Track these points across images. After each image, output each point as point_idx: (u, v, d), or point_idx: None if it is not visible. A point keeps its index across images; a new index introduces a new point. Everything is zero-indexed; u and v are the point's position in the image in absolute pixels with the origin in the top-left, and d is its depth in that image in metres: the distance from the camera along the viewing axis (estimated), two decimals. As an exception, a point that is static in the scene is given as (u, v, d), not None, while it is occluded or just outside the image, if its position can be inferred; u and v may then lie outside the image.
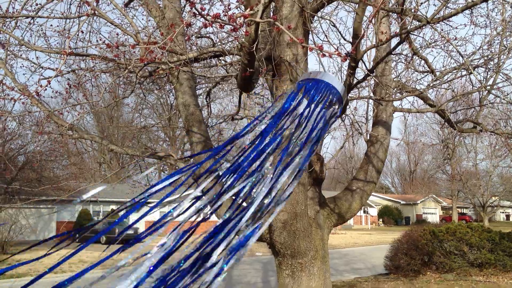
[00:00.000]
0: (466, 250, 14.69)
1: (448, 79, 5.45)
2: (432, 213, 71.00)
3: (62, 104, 7.28)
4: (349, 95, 5.32)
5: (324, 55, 2.73)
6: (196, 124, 6.41)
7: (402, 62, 6.93)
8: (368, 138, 6.65)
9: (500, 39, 6.32)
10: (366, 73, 3.74)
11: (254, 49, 3.55)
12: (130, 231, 33.25)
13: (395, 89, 5.62)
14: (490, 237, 14.88)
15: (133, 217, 41.56)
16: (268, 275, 16.14)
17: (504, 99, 6.26)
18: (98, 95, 7.14)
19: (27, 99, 5.98)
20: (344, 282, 14.05)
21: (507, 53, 6.21)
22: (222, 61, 7.06)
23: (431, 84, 5.11)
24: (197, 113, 6.55)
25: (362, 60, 3.59)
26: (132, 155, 7.45)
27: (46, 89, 4.88)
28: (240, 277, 16.23)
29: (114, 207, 39.47)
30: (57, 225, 37.38)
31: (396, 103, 6.86)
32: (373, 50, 5.18)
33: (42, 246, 29.26)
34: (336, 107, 1.61)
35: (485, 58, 6.02)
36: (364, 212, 60.75)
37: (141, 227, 38.91)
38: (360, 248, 28.95)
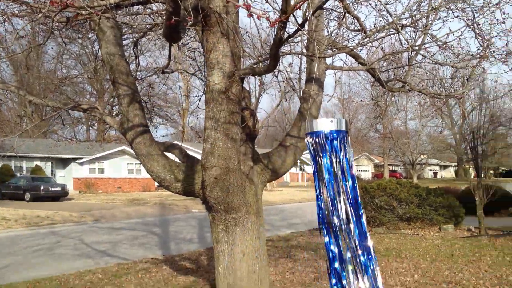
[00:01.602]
0: (396, 205, 15.41)
1: (377, 38, 5.55)
2: (365, 171, 73.74)
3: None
4: (282, 50, 5.30)
5: (251, 15, 2.68)
6: (123, 76, 6.16)
7: (335, 20, 6.99)
8: (301, 95, 6.71)
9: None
10: (297, 27, 3.72)
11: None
12: (57, 188, 32.28)
13: (327, 46, 5.66)
14: (418, 193, 15.66)
15: (60, 174, 40.18)
16: (204, 231, 16.30)
17: (429, 59, 6.47)
18: (12, 41, 6.65)
19: None
20: (280, 237, 14.42)
21: (434, 14, 6.38)
22: (149, 9, 6.80)
23: (361, 42, 5.19)
24: (122, 64, 6.27)
25: (293, 15, 3.56)
26: (53, 107, 7.02)
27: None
28: (176, 233, 16.30)
29: (38, 162, 37.66)
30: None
31: (328, 61, 6.95)
32: (306, 5, 5.15)
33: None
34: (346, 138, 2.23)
35: (414, 18, 6.15)
36: (301, 169, 62.19)
37: (69, 184, 37.61)
38: (296, 204, 29.73)
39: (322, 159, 2.11)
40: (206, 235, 15.29)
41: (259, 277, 5.65)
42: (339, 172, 2.11)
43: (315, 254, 11.14)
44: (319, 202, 2.19)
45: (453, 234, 14.25)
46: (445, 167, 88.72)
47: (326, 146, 2.10)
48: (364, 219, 2.15)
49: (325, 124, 2.11)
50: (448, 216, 15.36)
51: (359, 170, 72.58)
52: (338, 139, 2.12)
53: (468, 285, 7.87)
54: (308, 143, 2.15)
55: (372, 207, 15.60)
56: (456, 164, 75.98)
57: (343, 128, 2.15)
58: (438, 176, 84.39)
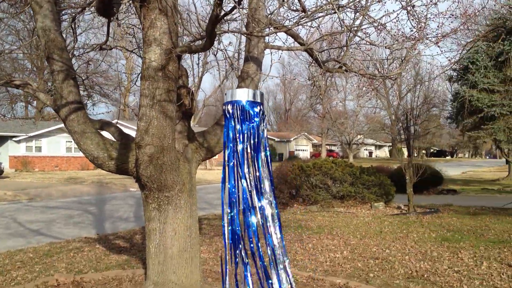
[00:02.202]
0: (330, 183, 15.81)
1: (316, 18, 5.58)
2: (303, 150, 75.12)
3: None
4: (220, 28, 5.23)
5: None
6: (57, 52, 5.93)
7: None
8: (240, 74, 6.67)
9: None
10: (234, 5, 3.66)
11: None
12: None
13: (266, 24, 5.63)
14: (352, 172, 16.13)
15: (-5, 151, 38.69)
16: (141, 210, 16.07)
17: (365, 39, 6.58)
18: None
19: None
20: (216, 215, 14.48)
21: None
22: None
23: (299, 22, 5.20)
24: (58, 40, 6.04)
25: (231, -9, 3.50)
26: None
27: None
28: (112, 212, 16.02)
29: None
30: None
31: (268, 40, 6.91)
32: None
33: None
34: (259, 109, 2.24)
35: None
36: (240, 148, 62.42)
37: (5, 162, 36.48)
38: (234, 183, 29.83)
39: (236, 126, 2.11)
40: (142, 213, 15.14)
41: (190, 255, 5.65)
42: (253, 142, 2.12)
43: (251, 231, 11.26)
44: (233, 183, 2.17)
45: (383, 212, 14.83)
46: (380, 147, 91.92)
47: (243, 114, 2.10)
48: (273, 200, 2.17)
49: (242, 94, 2.13)
50: (379, 194, 15.95)
51: (298, 150, 73.84)
52: (254, 110, 2.13)
53: (394, 261, 8.21)
54: (225, 111, 2.15)
55: (308, 185, 15.93)
56: (390, 144, 78.89)
57: (258, 100, 2.17)
58: (373, 156, 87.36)
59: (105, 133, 6.25)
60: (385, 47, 6.42)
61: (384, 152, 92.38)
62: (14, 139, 38.84)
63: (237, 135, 2.12)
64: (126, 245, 9.82)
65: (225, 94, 2.16)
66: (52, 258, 8.72)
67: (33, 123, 32.58)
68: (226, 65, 8.72)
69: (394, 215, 14.00)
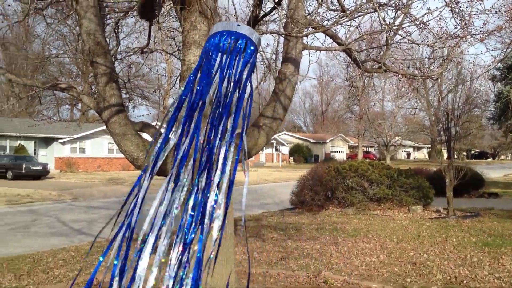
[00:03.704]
0: (367, 186, 15.57)
1: (355, 17, 5.47)
2: (339, 152, 74.42)
3: None
4: (259, 30, 5.19)
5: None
6: (101, 55, 6.04)
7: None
8: (277, 75, 6.62)
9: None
10: (273, 5, 3.62)
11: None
12: (38, 167, 32.10)
13: (304, 25, 5.56)
14: (389, 174, 15.84)
15: (42, 153, 39.91)
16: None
17: (406, 38, 6.43)
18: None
19: None
20: (251, 216, 14.46)
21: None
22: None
23: (338, 21, 5.11)
24: (102, 44, 6.16)
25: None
26: (31, 86, 6.99)
27: None
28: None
29: (22, 142, 37.64)
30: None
31: (306, 41, 6.84)
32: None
33: None
34: (250, 54, 1.57)
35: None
36: (276, 150, 62.42)
37: (50, 163, 37.55)
38: (269, 184, 29.84)
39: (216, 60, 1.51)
40: (178, 212, 15.27)
41: (225, 256, 5.63)
42: (231, 84, 1.48)
43: (284, 234, 11.20)
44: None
45: (421, 215, 14.49)
46: (418, 148, 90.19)
47: (235, 51, 1.51)
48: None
49: (234, 27, 1.57)
50: (417, 197, 15.60)
51: (334, 151, 73.19)
52: (251, 49, 1.54)
53: (432, 266, 8.00)
54: (206, 45, 1.57)
55: (343, 187, 15.73)
56: (429, 145, 77.31)
57: (255, 40, 1.57)
58: (411, 158, 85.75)
59: (145, 135, 6.32)
60: (428, 45, 6.25)
61: (422, 154, 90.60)
62: (59, 140, 39.97)
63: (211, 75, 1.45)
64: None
65: (215, 26, 1.57)
66: (93, 257, 8.88)
67: (78, 125, 33.52)
68: (263, 67, 8.70)
69: (432, 219, 13.67)
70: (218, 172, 1.38)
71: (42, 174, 32.21)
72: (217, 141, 1.44)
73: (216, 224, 1.31)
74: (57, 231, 12.23)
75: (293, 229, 11.84)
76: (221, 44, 1.56)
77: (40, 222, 13.89)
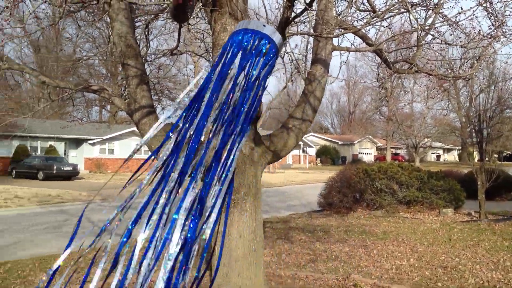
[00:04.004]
0: (396, 188, 15.36)
1: (386, 17, 5.41)
2: (367, 153, 73.69)
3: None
4: (288, 31, 5.18)
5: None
6: (132, 58, 6.14)
7: (345, 0, 6.82)
8: (306, 76, 6.59)
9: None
10: (304, 7, 3.60)
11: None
12: (69, 168, 32.68)
13: (334, 26, 5.52)
14: (419, 176, 15.59)
15: (72, 154, 40.69)
16: (206, 210, 16.32)
17: (439, 39, 6.31)
18: (34, 23, 6.66)
19: None
20: (279, 218, 14.43)
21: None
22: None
23: (369, 22, 5.05)
24: (133, 46, 6.27)
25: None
26: (63, 88, 7.15)
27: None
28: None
29: (52, 143, 38.42)
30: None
31: (335, 42, 6.80)
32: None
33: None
34: (271, 55, 1.53)
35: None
36: (303, 151, 62.17)
37: (80, 164, 38.18)
38: (297, 186, 29.75)
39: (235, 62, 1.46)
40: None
41: (254, 258, 5.63)
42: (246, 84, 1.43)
43: (312, 236, 11.14)
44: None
45: (452, 218, 14.23)
46: (448, 150, 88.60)
47: (255, 52, 1.48)
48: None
49: (260, 27, 1.53)
50: (448, 200, 15.33)
51: (362, 153, 72.49)
52: (273, 53, 1.51)
53: (464, 270, 7.85)
54: (229, 42, 1.52)
55: (372, 189, 15.56)
56: (460, 147, 75.84)
57: (277, 41, 1.53)
58: (441, 160, 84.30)
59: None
60: (461, 46, 6.13)
61: (453, 156, 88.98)
62: (89, 142, 40.65)
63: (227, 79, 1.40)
64: (191, 245, 9.97)
65: (242, 23, 1.52)
66: (122, 257, 8.98)
67: (108, 126, 34.05)
68: (291, 68, 8.69)
69: (464, 222, 13.40)
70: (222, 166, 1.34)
71: (72, 175, 32.74)
72: (222, 135, 1.37)
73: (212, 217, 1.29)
74: (87, 231, 12.41)
75: (321, 231, 11.76)
76: (244, 42, 1.54)
77: (71, 222, 14.13)
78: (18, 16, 7.91)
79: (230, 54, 1.52)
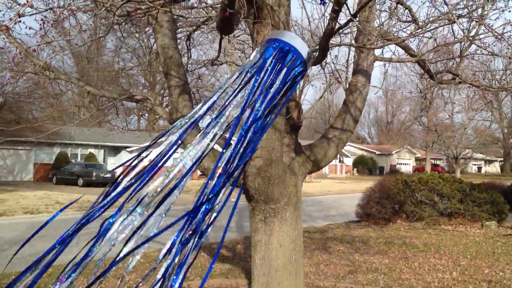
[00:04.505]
0: (437, 200, 15.06)
1: (431, 28, 5.37)
2: (406, 164, 72.49)
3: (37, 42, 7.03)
4: (331, 41, 5.21)
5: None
6: (175, 68, 6.29)
7: (386, 11, 6.80)
8: (347, 86, 6.59)
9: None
10: (349, 18, 3.63)
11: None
12: (108, 175, 33.35)
13: (376, 37, 5.52)
14: (461, 188, 15.24)
15: (111, 161, 41.64)
16: (243, 220, 16.37)
17: (485, 49, 6.22)
18: (77, 35, 6.92)
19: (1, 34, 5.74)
20: (316, 228, 14.36)
21: (492, 3, 6.12)
22: (203, 3, 6.85)
23: (414, 33, 5.03)
24: (176, 57, 6.41)
25: (346, 5, 3.47)
26: (108, 98, 7.37)
27: (18, 22, 4.68)
28: (215, 221, 16.41)
29: (92, 150, 39.42)
30: (35, 166, 37.21)
31: (377, 52, 6.77)
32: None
33: (20, 187, 29.16)
34: (299, 66, 1.56)
35: (469, 8, 5.93)
36: (340, 161, 61.68)
37: (119, 170, 38.90)
38: (334, 196, 29.51)
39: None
40: (244, 224, 15.37)
41: (295, 268, 5.64)
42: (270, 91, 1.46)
43: (351, 247, 11.04)
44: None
45: (495, 231, 13.85)
46: (490, 162, 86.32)
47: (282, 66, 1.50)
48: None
49: (300, 43, 1.54)
50: (491, 212, 14.92)
51: (400, 163, 71.38)
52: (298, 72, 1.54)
53: (509, 285, 7.65)
54: (268, 49, 1.54)
55: (412, 201, 15.29)
56: (502, 158, 73.78)
57: (304, 54, 1.54)
58: (483, 171, 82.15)
59: (216, 146, 6.47)
60: (509, 57, 6.02)
61: (494, 168, 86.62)
62: (127, 149, 41.51)
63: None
64: (229, 255, 10.03)
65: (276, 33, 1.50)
66: (161, 263, 9.11)
67: (149, 135, 34.77)
68: (329, 78, 8.70)
69: (508, 235, 13.02)
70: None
71: (111, 181, 33.55)
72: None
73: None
74: (126, 236, 12.64)
75: (359, 242, 11.64)
76: (272, 52, 1.59)
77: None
78: (64, 28, 8.22)
79: (261, 60, 1.56)
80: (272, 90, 1.53)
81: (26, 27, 6.16)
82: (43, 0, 7.19)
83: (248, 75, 1.53)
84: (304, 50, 1.60)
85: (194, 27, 8.33)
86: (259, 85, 1.52)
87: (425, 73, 6.86)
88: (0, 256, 9.77)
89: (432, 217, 14.93)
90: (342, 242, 11.70)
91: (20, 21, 4.51)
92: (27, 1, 4.45)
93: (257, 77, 1.52)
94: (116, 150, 42.15)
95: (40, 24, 5.83)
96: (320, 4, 3.03)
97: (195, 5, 7.02)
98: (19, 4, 6.45)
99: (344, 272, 8.50)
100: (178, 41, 9.38)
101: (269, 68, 1.57)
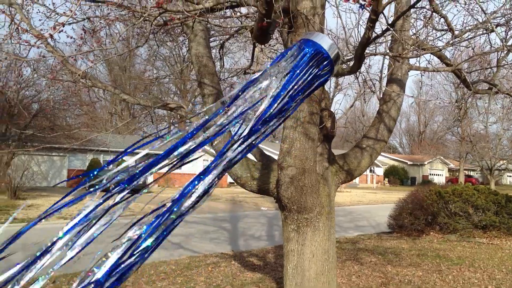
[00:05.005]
0: (471, 211, 14.73)
1: (468, 37, 5.29)
2: (438, 175, 71.17)
3: (76, 51, 7.20)
4: (366, 51, 5.19)
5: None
6: (209, 76, 6.36)
7: (421, 20, 6.74)
8: (381, 96, 6.55)
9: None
10: (386, 27, 3.61)
11: (271, -2, 3.44)
12: (139, 181, 33.80)
13: (412, 46, 5.48)
14: (496, 200, 14.88)
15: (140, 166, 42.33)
16: (273, 229, 16.35)
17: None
18: (112, 44, 7.08)
19: (41, 43, 5.91)
20: (347, 239, 14.22)
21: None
22: (238, 13, 6.92)
23: (451, 42, 4.96)
24: (210, 65, 6.49)
25: (383, 13, 3.46)
26: (143, 106, 7.49)
27: (60, 31, 4.83)
28: (245, 229, 16.45)
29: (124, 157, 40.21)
30: (68, 172, 38.02)
31: (412, 61, 6.71)
32: (393, 4, 5.00)
33: (53, 192, 29.81)
34: (325, 66, 1.56)
35: (507, 17, 5.83)
36: (370, 171, 60.95)
37: (150, 177, 39.50)
38: (364, 206, 29.19)
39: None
40: (274, 233, 15.36)
41: (327, 279, 5.59)
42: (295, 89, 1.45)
43: (383, 258, 10.88)
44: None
45: (533, 246, 13.46)
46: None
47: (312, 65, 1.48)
48: None
49: (322, 40, 1.52)
50: (528, 225, 14.51)
51: (432, 174, 70.12)
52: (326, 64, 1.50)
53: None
54: (300, 50, 1.51)
55: (446, 213, 15.00)
56: (538, 171, 71.66)
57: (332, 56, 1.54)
58: (518, 183, 79.94)
59: (249, 155, 6.50)
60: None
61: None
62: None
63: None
64: (260, 263, 10.02)
65: (310, 34, 1.53)
66: (192, 271, 9.17)
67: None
68: (363, 86, 8.64)
69: (546, 251, 12.64)
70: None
71: (141, 188, 34.09)
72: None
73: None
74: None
75: (392, 254, 11.47)
76: (304, 53, 1.58)
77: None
78: (99, 37, 8.42)
79: (289, 59, 1.56)
80: (298, 85, 1.52)
81: (67, 36, 6.33)
82: (81, 9, 7.38)
83: (279, 75, 1.52)
84: (332, 50, 1.59)
85: (228, 36, 8.41)
86: (291, 84, 1.51)
87: (461, 83, 6.76)
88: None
89: (466, 229, 14.62)
90: (373, 253, 11.55)
91: (62, 31, 4.64)
92: (71, 11, 4.58)
93: (289, 77, 1.51)
94: (147, 157, 42.87)
95: (81, 34, 5.98)
96: (359, 8, 3.02)
97: (230, 15, 7.10)
98: (58, 14, 6.65)
99: (376, 284, 8.39)
100: (211, 49, 9.51)
101: (298, 68, 1.55)
